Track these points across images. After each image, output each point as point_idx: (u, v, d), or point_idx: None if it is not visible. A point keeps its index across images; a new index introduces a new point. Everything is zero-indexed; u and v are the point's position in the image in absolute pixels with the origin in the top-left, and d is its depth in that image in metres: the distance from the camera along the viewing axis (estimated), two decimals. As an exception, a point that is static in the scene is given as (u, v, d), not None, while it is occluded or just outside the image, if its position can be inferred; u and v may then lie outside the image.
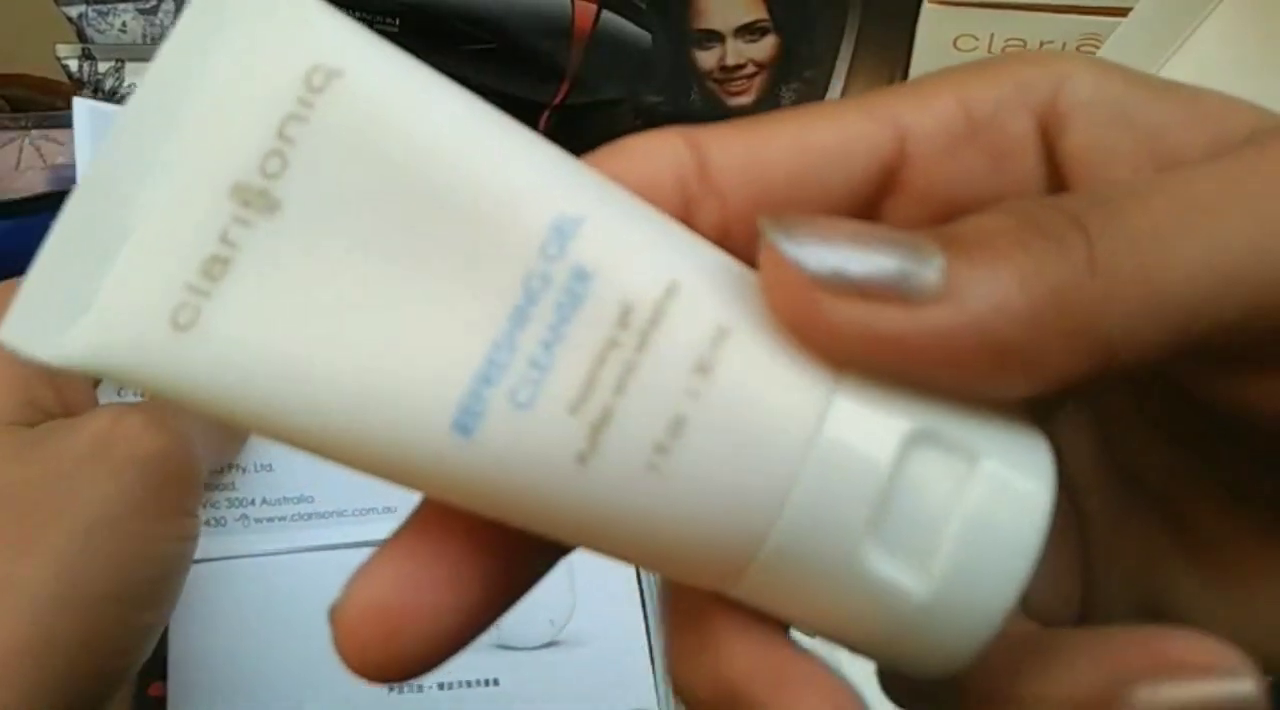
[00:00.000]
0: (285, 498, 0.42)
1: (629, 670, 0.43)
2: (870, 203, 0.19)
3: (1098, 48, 0.53)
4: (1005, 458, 0.16)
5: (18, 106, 0.68)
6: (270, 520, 0.41)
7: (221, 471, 0.42)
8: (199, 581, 0.39)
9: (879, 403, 0.16)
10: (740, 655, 0.17)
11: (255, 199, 0.17)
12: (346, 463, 0.17)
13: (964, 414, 0.17)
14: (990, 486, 0.16)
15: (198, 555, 0.33)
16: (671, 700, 0.41)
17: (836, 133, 0.19)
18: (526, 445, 0.16)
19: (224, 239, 0.17)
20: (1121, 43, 0.49)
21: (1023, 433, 0.17)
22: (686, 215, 0.18)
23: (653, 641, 0.42)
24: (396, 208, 0.17)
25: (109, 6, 0.61)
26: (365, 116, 0.17)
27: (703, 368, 0.16)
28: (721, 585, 0.17)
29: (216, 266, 0.17)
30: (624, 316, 0.16)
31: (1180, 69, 0.47)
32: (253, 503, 0.42)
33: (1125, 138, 0.18)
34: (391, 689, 0.36)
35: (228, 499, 0.41)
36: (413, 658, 0.17)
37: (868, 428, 0.16)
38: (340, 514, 0.42)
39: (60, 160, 0.60)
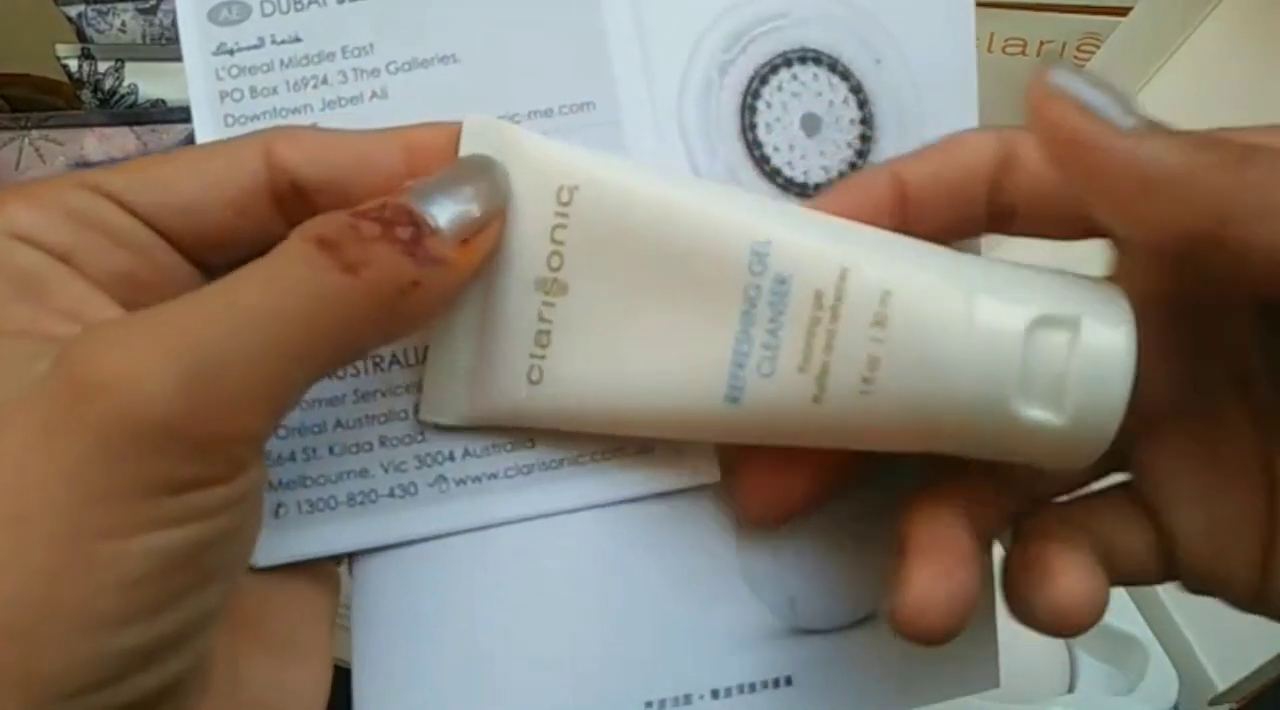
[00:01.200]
0: (495, 445, 0.27)
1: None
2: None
3: (1097, 47, 0.51)
4: (1098, 316, 0.24)
5: (18, 106, 0.66)
6: (478, 480, 0.27)
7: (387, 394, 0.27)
8: (377, 583, 0.27)
9: (1004, 303, 0.24)
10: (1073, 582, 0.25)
11: (552, 287, 0.25)
12: (661, 435, 0.26)
13: (1066, 291, 0.24)
14: (1091, 341, 0.23)
15: (372, 544, 0.26)
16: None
17: None
18: (778, 400, 0.24)
19: (541, 318, 0.25)
20: (1122, 42, 0.48)
21: (1108, 294, 0.24)
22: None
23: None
24: (645, 267, 0.25)
25: (109, 6, 0.60)
26: (604, 212, 0.25)
27: (879, 320, 0.24)
28: (929, 447, 0.25)
29: (544, 337, 0.25)
30: (818, 300, 0.24)
31: (1180, 68, 0.46)
32: (451, 458, 0.27)
33: None
34: (650, 704, 0.28)
35: (415, 456, 0.27)
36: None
37: (1000, 320, 0.23)
38: (568, 462, 0.27)
39: (60, 160, 0.56)
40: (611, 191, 0.25)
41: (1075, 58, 0.54)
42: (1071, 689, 0.54)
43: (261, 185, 0.23)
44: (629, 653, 0.28)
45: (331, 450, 0.26)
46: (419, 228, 0.22)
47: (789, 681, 0.29)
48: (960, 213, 0.26)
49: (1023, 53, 0.56)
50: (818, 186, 0.28)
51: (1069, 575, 0.25)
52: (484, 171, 0.24)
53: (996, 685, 0.29)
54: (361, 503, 0.26)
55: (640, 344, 0.25)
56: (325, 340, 0.20)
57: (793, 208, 0.25)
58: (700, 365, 0.25)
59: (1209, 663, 0.51)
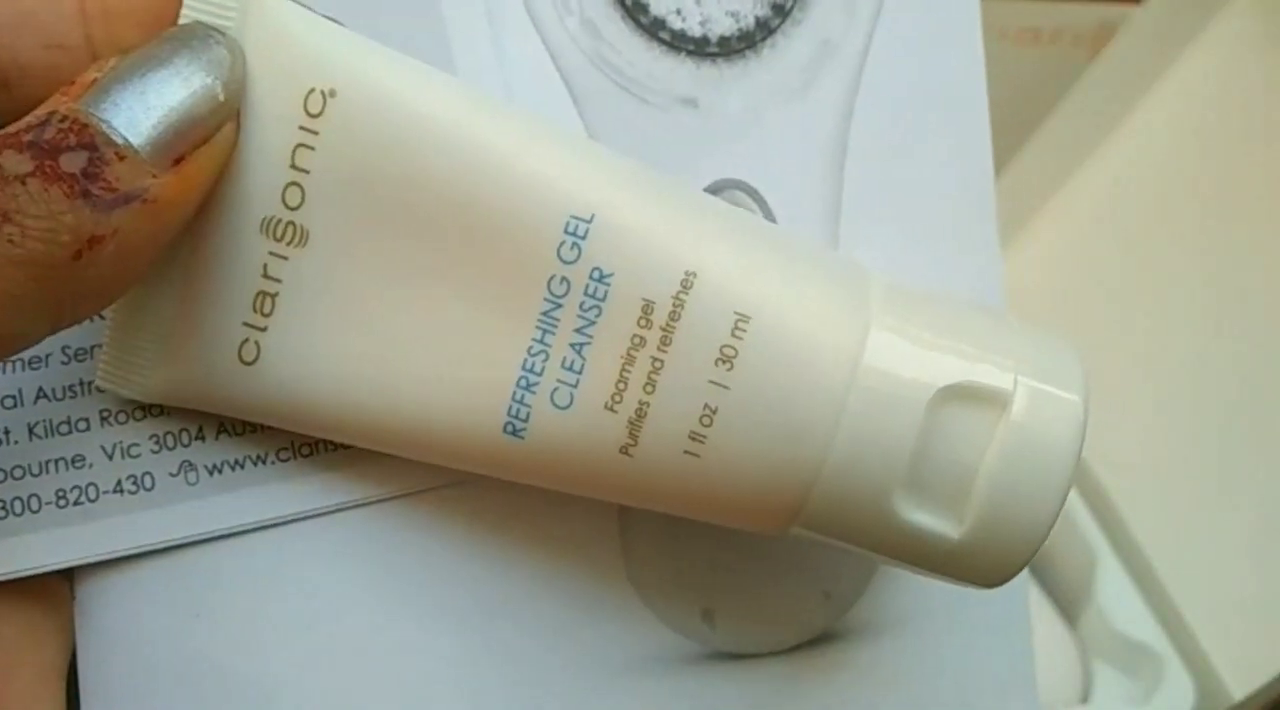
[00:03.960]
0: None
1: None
2: None
3: (1110, 36, 0.49)
4: (1035, 392, 0.16)
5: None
6: (239, 465, 0.19)
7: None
8: (105, 609, 0.19)
9: (901, 370, 0.16)
10: None
11: (285, 232, 0.17)
12: (418, 458, 0.19)
13: (999, 344, 0.17)
14: (1020, 428, 0.16)
15: (94, 557, 0.19)
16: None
17: None
18: (572, 442, 0.17)
19: (266, 274, 0.18)
20: (1136, 32, 0.45)
21: (1057, 357, 0.17)
22: None
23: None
24: (416, 220, 0.17)
25: None
26: (368, 132, 0.17)
27: (726, 358, 0.16)
28: (774, 532, 0.18)
29: (266, 302, 0.18)
30: (646, 314, 0.17)
31: (1197, 58, 0.44)
32: (201, 437, 0.19)
33: None
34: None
35: (151, 436, 0.19)
36: None
37: (893, 395, 0.16)
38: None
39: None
40: (381, 105, 0.17)
41: (1089, 48, 0.50)
42: (1086, 699, 0.51)
43: None
44: (481, 689, 0.20)
45: (31, 431, 0.19)
46: (97, 151, 0.15)
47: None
48: None
49: (1036, 41, 0.54)
50: (723, 44, 0.20)
51: None
52: (206, 48, 0.16)
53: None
54: (77, 502, 0.19)
55: (397, 330, 0.18)
56: None
57: (645, 172, 0.18)
58: (475, 378, 0.17)
59: (1225, 672, 0.48)
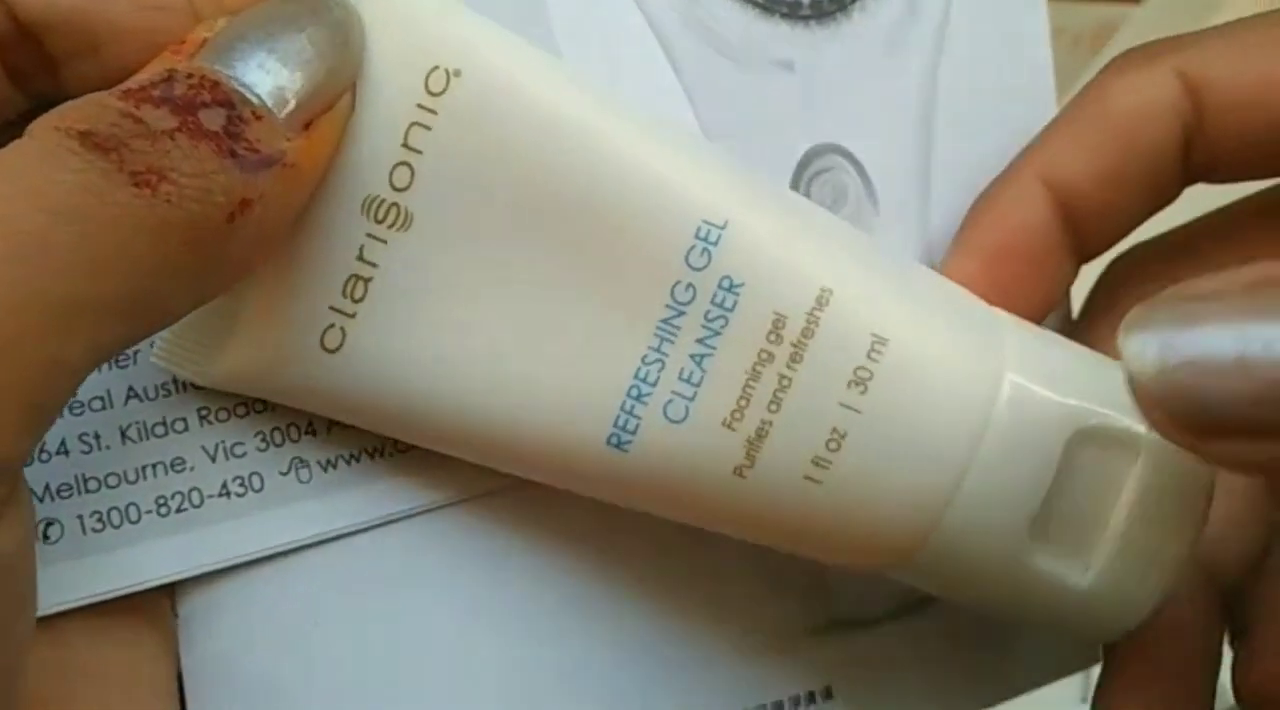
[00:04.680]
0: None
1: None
2: None
3: (1110, 36, 0.49)
4: (1166, 447, 0.16)
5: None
6: (355, 458, 0.18)
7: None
8: (212, 625, 0.18)
9: (1040, 407, 0.16)
10: None
11: (388, 214, 0.16)
12: (506, 469, 0.17)
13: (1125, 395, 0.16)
14: (1152, 469, 0.16)
15: (199, 569, 0.17)
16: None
17: None
18: (682, 459, 0.16)
19: (362, 257, 0.16)
20: (1136, 31, 0.45)
21: None
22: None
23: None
24: (532, 215, 0.16)
25: None
26: (490, 118, 0.16)
27: (860, 380, 0.16)
28: (880, 572, 0.17)
29: (358, 286, 0.16)
30: (777, 328, 0.16)
31: None
32: (312, 431, 0.18)
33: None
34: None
35: (257, 433, 0.18)
36: None
37: (1031, 432, 0.16)
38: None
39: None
40: (506, 92, 0.16)
41: (1089, 48, 0.50)
42: (1085, 698, 0.50)
43: None
44: (617, 687, 0.19)
45: (124, 434, 0.17)
46: (235, 109, 0.14)
47: (828, 695, 0.21)
48: (1146, 207, 0.18)
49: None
50: (816, 5, 0.20)
51: None
52: (327, 8, 0.15)
53: (1098, 661, 0.21)
54: (180, 509, 0.17)
55: (497, 328, 0.16)
56: (114, 304, 0.13)
57: (770, 184, 0.17)
58: (580, 385, 0.16)
59: (1225, 672, 0.49)
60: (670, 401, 0.16)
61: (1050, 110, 0.21)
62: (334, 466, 0.18)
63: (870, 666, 0.21)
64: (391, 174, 0.16)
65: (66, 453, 0.17)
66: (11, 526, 0.13)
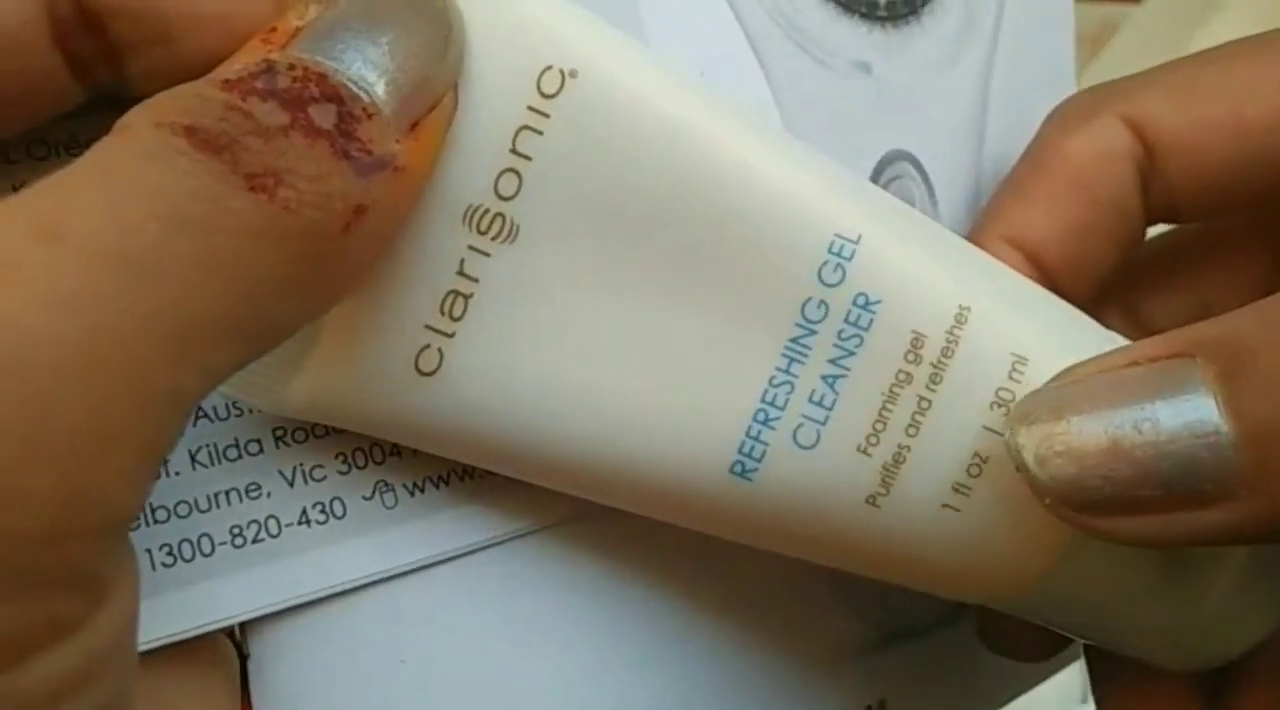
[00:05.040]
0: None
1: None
2: None
3: (1110, 36, 0.50)
4: None
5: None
6: (444, 481, 0.17)
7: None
8: (287, 665, 0.16)
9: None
10: None
11: (491, 225, 0.15)
12: (613, 502, 0.16)
13: None
14: None
15: (275, 605, 0.16)
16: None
17: None
18: (812, 489, 0.15)
19: (462, 271, 0.15)
20: (1136, 32, 0.46)
21: None
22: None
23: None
24: (650, 227, 0.15)
25: None
26: (608, 122, 0.15)
27: (1002, 402, 0.15)
28: (998, 604, 0.17)
29: (457, 303, 0.15)
30: (915, 348, 0.15)
31: None
32: (396, 452, 0.17)
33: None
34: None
35: (339, 455, 0.16)
36: None
37: None
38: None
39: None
40: (625, 97, 0.15)
41: (1089, 48, 0.50)
42: (1085, 699, 0.50)
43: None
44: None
45: (194, 459, 0.15)
46: (344, 105, 0.12)
47: (883, 708, 0.21)
48: (1114, 254, 0.18)
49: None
50: (891, 7, 0.20)
51: None
52: (429, 1, 0.14)
53: None
54: (257, 539, 0.16)
55: (610, 350, 0.15)
56: (231, 325, 0.11)
57: (898, 203, 0.16)
58: (702, 410, 0.15)
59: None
60: (800, 426, 0.15)
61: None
62: (421, 490, 0.16)
63: (920, 676, 0.21)
64: (497, 181, 0.15)
65: None
66: (120, 599, 0.11)
